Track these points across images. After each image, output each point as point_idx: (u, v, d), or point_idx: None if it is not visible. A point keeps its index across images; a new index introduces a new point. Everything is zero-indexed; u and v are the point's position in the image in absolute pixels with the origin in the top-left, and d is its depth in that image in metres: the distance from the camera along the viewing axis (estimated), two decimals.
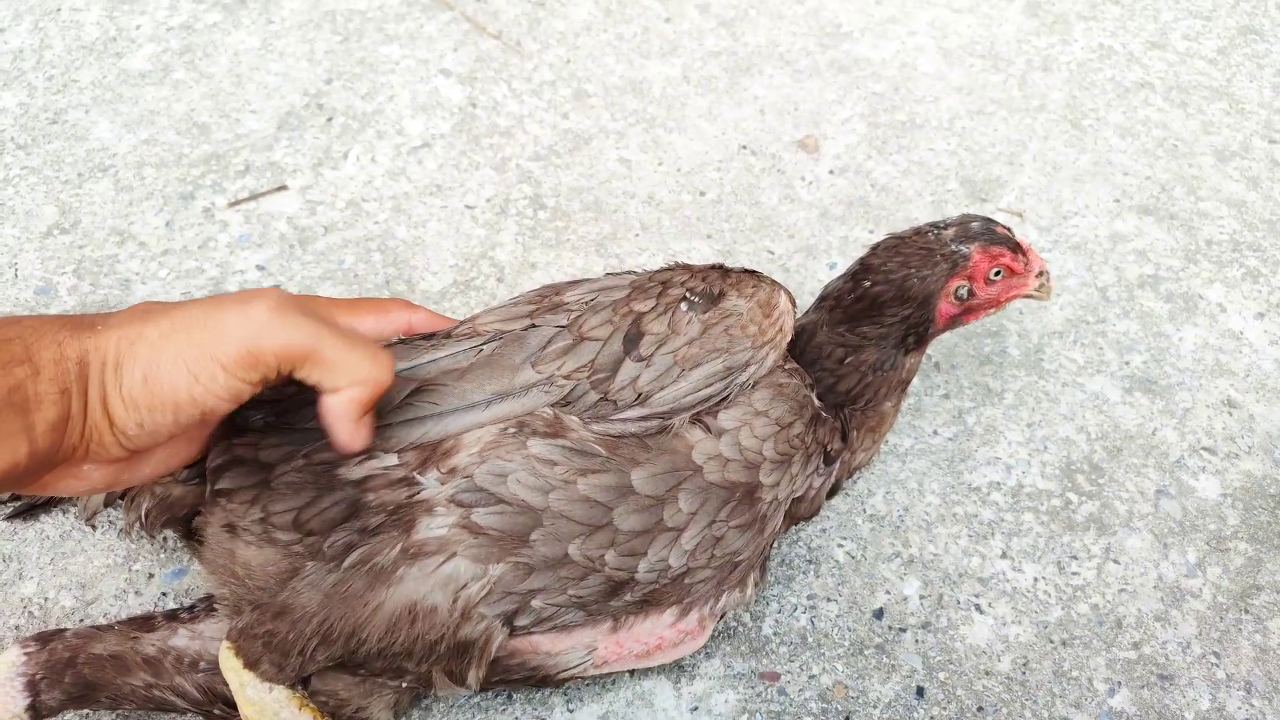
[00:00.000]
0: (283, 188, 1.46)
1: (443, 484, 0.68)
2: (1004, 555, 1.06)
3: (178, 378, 0.55)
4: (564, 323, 0.74)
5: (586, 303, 0.76)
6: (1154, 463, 1.15)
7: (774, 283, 0.82)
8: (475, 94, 1.62)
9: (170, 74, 1.63)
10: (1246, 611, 1.08)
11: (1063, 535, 1.07)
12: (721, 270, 0.81)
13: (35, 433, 0.52)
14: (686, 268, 0.83)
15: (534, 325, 0.75)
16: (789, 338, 0.82)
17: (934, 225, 0.92)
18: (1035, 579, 1.09)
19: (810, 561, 1.06)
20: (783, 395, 0.82)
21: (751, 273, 0.81)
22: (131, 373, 0.55)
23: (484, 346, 0.73)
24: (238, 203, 1.44)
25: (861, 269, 0.91)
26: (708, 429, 0.76)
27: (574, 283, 0.81)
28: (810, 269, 1.33)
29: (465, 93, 1.62)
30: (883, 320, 0.88)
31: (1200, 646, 1.05)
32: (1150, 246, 1.40)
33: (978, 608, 1.06)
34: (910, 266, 0.88)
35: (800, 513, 0.92)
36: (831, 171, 1.53)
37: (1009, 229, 0.94)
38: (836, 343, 0.90)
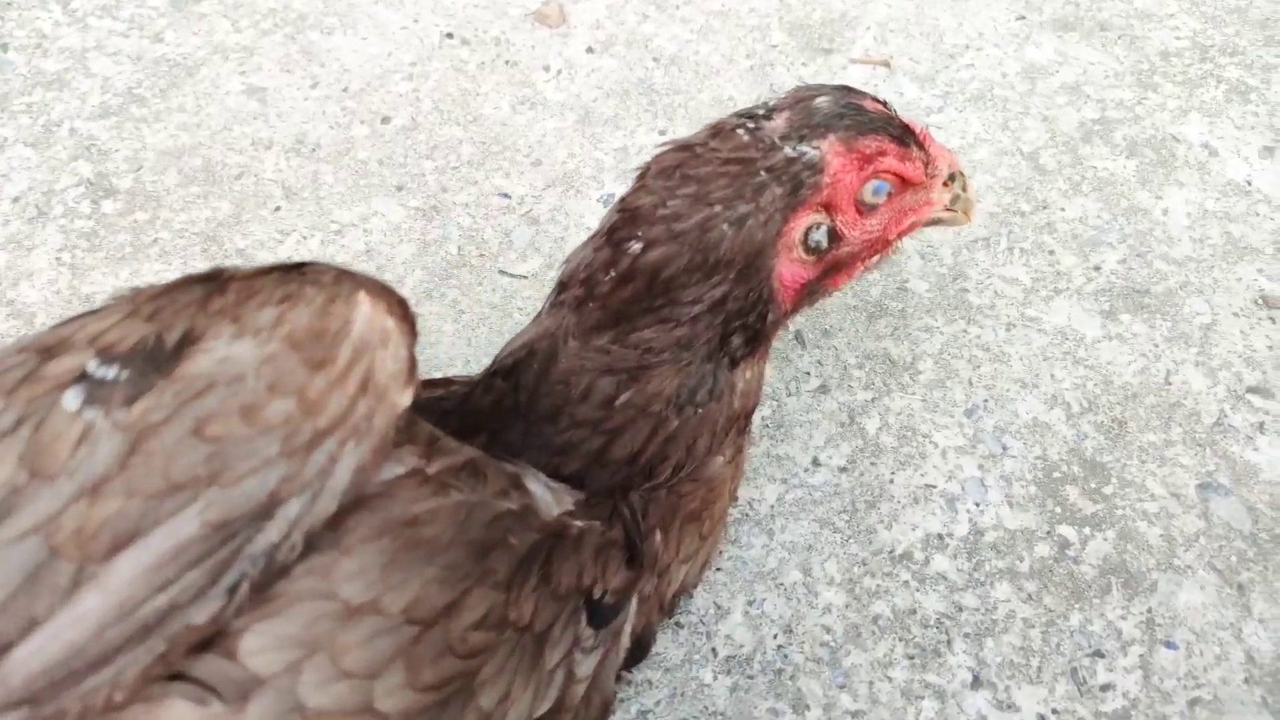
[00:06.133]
0: None
1: None
2: (976, 683, 0.56)
3: None
4: None
5: None
6: (1184, 433, 0.67)
7: (337, 276, 0.45)
8: None
9: None
10: None
11: (1069, 614, 0.60)
12: (208, 286, 0.45)
13: None
14: (129, 301, 0.45)
15: None
16: (402, 395, 0.44)
17: (748, 114, 0.58)
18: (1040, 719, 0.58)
19: None
20: (416, 547, 0.45)
21: (279, 270, 0.46)
22: None
23: None
24: None
25: (623, 218, 0.56)
26: (204, 692, 0.39)
27: None
28: (574, 213, 0.83)
29: None
30: (677, 313, 0.55)
31: None
32: (1084, 76, 0.93)
33: None
34: (713, 201, 0.54)
35: None
36: (590, 49, 0.99)
37: (885, 102, 0.59)
38: (597, 368, 0.56)
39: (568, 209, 0.86)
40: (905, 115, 0.61)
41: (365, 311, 0.45)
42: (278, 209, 0.86)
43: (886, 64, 0.98)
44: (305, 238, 0.84)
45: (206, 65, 0.98)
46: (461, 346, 0.78)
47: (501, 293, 0.81)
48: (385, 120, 0.93)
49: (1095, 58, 0.99)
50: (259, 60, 0.98)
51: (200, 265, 0.82)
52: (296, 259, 0.81)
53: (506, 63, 0.98)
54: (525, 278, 0.82)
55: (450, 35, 1.00)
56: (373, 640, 0.43)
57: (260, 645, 0.41)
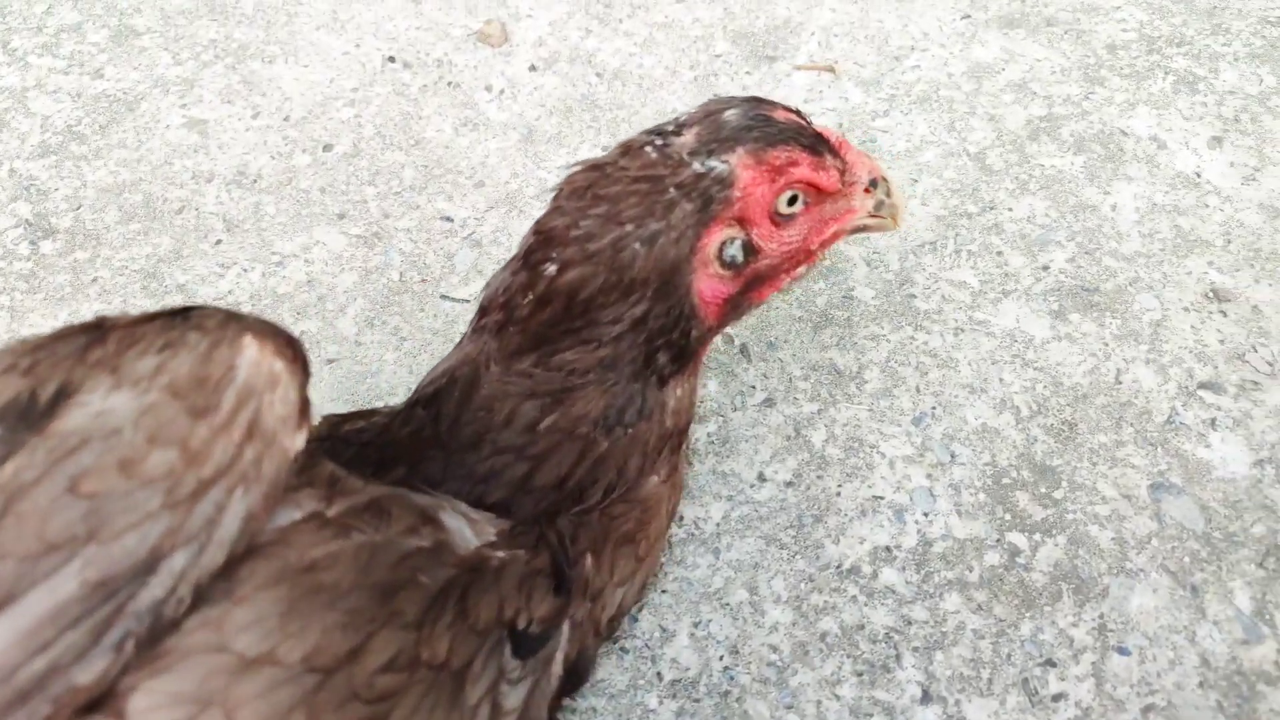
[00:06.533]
0: None
1: None
2: (926, 697, 0.54)
3: None
4: None
5: None
6: (1135, 433, 0.66)
7: (223, 320, 0.43)
8: None
9: None
10: None
11: (1020, 623, 0.59)
12: (90, 335, 0.43)
13: None
14: (10, 354, 0.43)
15: None
16: (294, 438, 0.43)
17: (657, 130, 0.56)
18: None
19: None
20: (316, 592, 0.43)
21: (163, 316, 0.44)
22: None
23: None
24: None
25: (539, 240, 0.55)
26: None
27: None
28: (517, 234, 0.85)
29: None
30: (598, 333, 0.53)
31: None
32: (1030, 73, 0.92)
33: None
34: (624, 220, 0.52)
35: None
36: (533, 68, 0.97)
37: (798, 111, 0.57)
38: (520, 392, 0.54)
39: (511, 230, 0.86)
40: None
41: (251, 355, 0.43)
42: (219, 242, 0.85)
43: (832, 69, 0.97)
44: (246, 270, 0.83)
45: (147, 99, 0.97)
46: (404, 375, 0.77)
47: (444, 318, 0.80)
48: (327, 148, 0.92)
49: (1041, 54, 0.98)
50: (200, 92, 0.97)
51: (141, 303, 0.81)
52: (237, 293, 0.80)
53: (449, 84, 0.97)
54: (468, 302, 0.81)
55: (392, 59, 1.00)
56: (270, 692, 0.42)
57: (149, 704, 0.39)
